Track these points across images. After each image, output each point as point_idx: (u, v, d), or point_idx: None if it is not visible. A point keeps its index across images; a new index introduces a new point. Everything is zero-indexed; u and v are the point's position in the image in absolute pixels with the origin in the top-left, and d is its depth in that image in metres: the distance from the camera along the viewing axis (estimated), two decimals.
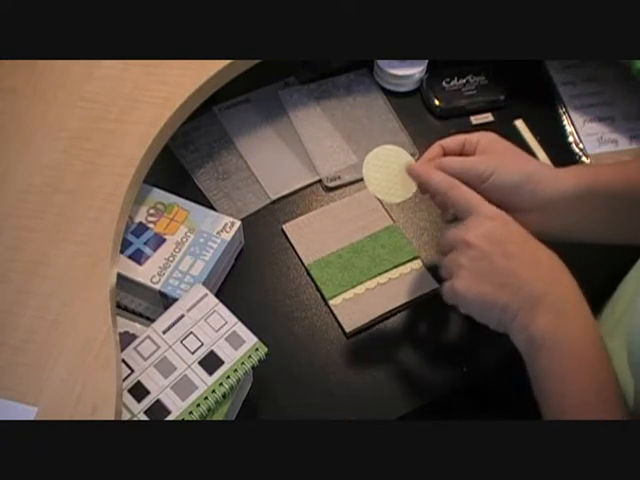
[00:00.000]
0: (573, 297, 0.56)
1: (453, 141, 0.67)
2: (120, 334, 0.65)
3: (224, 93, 0.83)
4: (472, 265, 0.58)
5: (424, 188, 0.67)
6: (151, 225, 0.74)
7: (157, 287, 0.69)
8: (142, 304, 0.72)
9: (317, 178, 0.84)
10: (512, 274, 0.57)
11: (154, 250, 0.72)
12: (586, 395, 0.53)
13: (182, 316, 0.65)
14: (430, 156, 0.67)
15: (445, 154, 0.68)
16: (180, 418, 0.60)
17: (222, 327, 0.64)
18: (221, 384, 0.62)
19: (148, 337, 0.64)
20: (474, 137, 0.67)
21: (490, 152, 0.66)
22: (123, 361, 0.62)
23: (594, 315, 0.62)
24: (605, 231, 0.66)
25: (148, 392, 0.61)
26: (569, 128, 0.88)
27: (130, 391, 0.61)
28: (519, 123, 0.89)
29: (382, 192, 0.67)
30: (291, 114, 0.88)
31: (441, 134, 0.88)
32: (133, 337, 0.66)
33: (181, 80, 0.74)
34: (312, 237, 0.78)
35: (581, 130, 0.87)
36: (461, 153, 0.67)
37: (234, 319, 0.65)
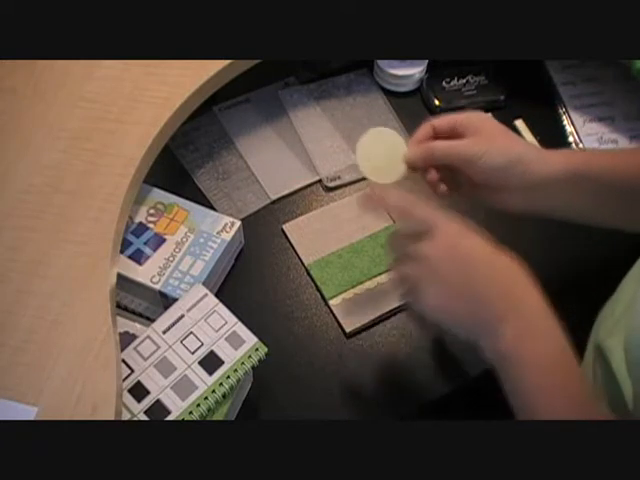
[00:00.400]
0: (537, 310, 0.55)
1: (443, 121, 0.66)
2: (120, 334, 0.65)
3: (224, 93, 0.83)
4: (438, 282, 0.57)
5: (416, 167, 0.67)
6: (151, 225, 0.74)
7: (157, 287, 0.69)
8: (142, 304, 0.72)
9: (317, 178, 0.84)
10: (477, 293, 0.56)
11: (154, 250, 0.72)
12: (557, 409, 0.52)
13: (182, 316, 0.65)
14: (420, 137, 0.66)
15: (435, 134, 0.67)
16: (180, 418, 0.60)
17: (222, 327, 0.64)
18: (221, 384, 0.62)
19: (148, 337, 0.64)
20: (464, 118, 0.66)
21: (480, 133, 0.65)
22: (123, 361, 0.62)
23: (594, 314, 0.62)
24: (591, 214, 0.66)
25: (148, 392, 0.61)
26: (569, 128, 0.88)
27: (130, 391, 0.61)
28: (519, 123, 0.89)
29: (372, 173, 0.67)
30: (291, 114, 0.88)
31: None
32: (133, 337, 0.66)
33: (181, 80, 0.74)
34: (312, 237, 0.78)
35: (581, 130, 0.87)
36: (451, 133, 0.66)
37: (234, 319, 0.65)
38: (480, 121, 0.66)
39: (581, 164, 0.64)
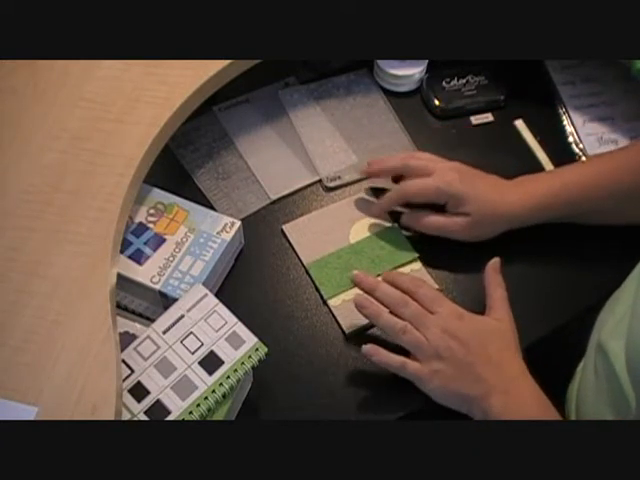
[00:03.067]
0: (518, 373, 0.64)
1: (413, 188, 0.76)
2: (120, 334, 0.65)
3: (224, 93, 0.83)
4: (449, 361, 0.64)
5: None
6: (151, 225, 0.74)
7: (157, 287, 0.69)
8: (142, 304, 0.72)
9: (317, 178, 0.84)
10: (471, 367, 0.64)
11: (154, 250, 0.72)
12: None
13: (182, 316, 0.65)
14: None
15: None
16: (180, 418, 0.60)
17: (222, 327, 0.64)
18: (221, 384, 0.62)
19: (148, 337, 0.64)
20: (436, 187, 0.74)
21: (465, 209, 0.73)
22: (123, 361, 0.62)
23: (595, 316, 0.63)
24: (575, 220, 0.76)
25: (148, 392, 0.61)
26: (569, 128, 0.88)
27: (130, 391, 0.61)
28: (519, 123, 0.89)
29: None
30: (291, 114, 0.88)
31: (441, 134, 0.88)
32: (133, 337, 0.66)
33: (181, 80, 0.74)
34: (312, 237, 0.78)
35: (581, 130, 0.87)
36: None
37: (234, 319, 0.65)
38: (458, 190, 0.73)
39: (554, 196, 0.73)
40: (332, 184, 0.83)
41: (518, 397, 0.62)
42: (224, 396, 0.62)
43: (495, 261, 0.71)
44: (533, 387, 0.63)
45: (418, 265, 0.76)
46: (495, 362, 0.64)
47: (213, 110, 0.88)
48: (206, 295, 0.66)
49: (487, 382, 0.63)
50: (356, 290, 0.74)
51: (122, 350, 0.62)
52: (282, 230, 0.79)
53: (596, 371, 0.61)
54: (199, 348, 0.63)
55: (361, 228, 0.79)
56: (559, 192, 0.73)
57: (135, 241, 0.72)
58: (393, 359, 0.66)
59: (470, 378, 0.63)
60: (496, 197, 0.74)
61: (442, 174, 0.74)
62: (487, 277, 0.70)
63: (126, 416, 0.60)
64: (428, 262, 0.77)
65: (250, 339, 0.64)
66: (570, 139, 0.87)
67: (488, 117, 0.90)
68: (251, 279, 0.76)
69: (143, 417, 0.60)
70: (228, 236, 0.73)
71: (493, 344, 0.65)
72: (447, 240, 0.76)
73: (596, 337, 0.63)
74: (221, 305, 0.66)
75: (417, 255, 0.77)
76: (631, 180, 0.72)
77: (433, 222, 0.75)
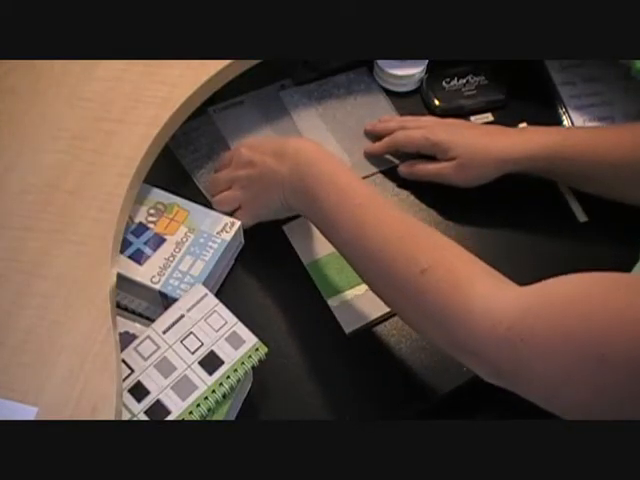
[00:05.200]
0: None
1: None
2: (120, 334, 0.65)
3: (223, 93, 0.83)
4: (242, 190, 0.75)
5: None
6: (151, 225, 0.74)
7: (157, 287, 0.69)
8: (142, 304, 0.72)
9: None
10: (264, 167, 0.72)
11: (154, 250, 0.72)
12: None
13: (182, 316, 0.65)
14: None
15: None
16: (180, 418, 0.60)
17: (222, 327, 0.64)
18: (221, 384, 0.62)
19: (148, 337, 0.64)
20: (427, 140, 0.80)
21: (453, 153, 0.78)
22: (123, 361, 0.62)
23: None
24: (574, 184, 0.80)
25: (148, 392, 0.61)
26: None
27: (130, 391, 0.61)
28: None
29: None
30: (292, 114, 0.88)
31: None
32: (133, 337, 0.66)
33: (181, 80, 0.74)
34: (312, 237, 0.78)
35: None
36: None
37: (234, 319, 0.65)
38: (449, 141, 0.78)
39: (557, 144, 0.74)
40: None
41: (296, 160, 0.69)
42: (224, 396, 0.62)
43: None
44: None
45: None
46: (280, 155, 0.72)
47: (212, 110, 0.88)
48: (206, 295, 0.66)
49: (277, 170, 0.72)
50: (356, 291, 0.74)
51: (122, 350, 0.62)
52: (282, 230, 0.79)
53: None
54: (199, 348, 0.63)
55: None
56: (557, 147, 0.74)
57: (135, 241, 0.72)
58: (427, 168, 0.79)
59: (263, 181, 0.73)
60: (486, 140, 0.77)
61: (431, 126, 0.81)
62: None
63: (126, 416, 0.60)
64: None
65: (250, 339, 0.64)
66: None
67: (488, 117, 0.90)
68: (251, 279, 0.76)
69: (143, 417, 0.60)
70: (228, 236, 0.73)
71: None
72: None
73: None
74: (221, 305, 0.66)
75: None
76: (633, 156, 0.72)
77: (425, 168, 0.81)
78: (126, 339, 0.66)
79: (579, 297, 0.49)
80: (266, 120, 0.88)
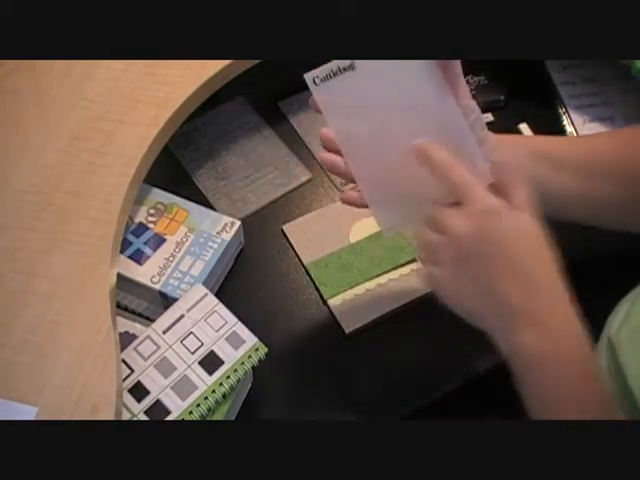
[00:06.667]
0: (554, 304, 0.50)
1: None
2: (120, 334, 0.65)
3: (224, 93, 0.83)
4: (458, 260, 0.52)
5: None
6: (151, 225, 0.74)
7: (157, 287, 0.69)
8: (142, 304, 0.72)
9: (315, 175, 0.84)
10: (495, 282, 0.51)
11: (154, 250, 0.72)
12: (572, 415, 0.50)
13: (182, 316, 0.65)
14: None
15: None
16: (180, 418, 0.60)
17: (222, 327, 0.64)
18: (221, 384, 0.62)
19: (148, 337, 0.64)
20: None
21: None
22: (123, 361, 0.62)
23: (603, 311, 0.61)
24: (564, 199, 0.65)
25: (148, 392, 0.61)
26: (569, 128, 0.88)
27: (130, 391, 0.61)
28: (523, 127, 0.88)
29: None
30: (295, 124, 0.88)
31: None
32: (133, 337, 0.66)
33: (181, 80, 0.74)
34: (312, 237, 0.78)
35: (581, 130, 0.87)
36: None
37: (234, 319, 0.65)
38: None
39: (536, 146, 0.64)
40: (347, 187, 0.83)
41: (559, 340, 0.50)
42: (224, 396, 0.62)
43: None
44: (578, 330, 0.50)
45: (418, 265, 0.76)
46: (529, 281, 0.50)
47: (213, 110, 0.88)
48: (206, 295, 0.66)
49: (513, 305, 0.50)
50: (356, 291, 0.74)
51: (122, 350, 0.62)
52: (282, 230, 0.79)
53: (608, 366, 0.61)
54: (199, 348, 0.63)
55: (361, 228, 0.79)
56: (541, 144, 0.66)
57: (135, 241, 0.72)
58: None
59: (487, 292, 0.51)
60: None
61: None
62: (508, 175, 0.55)
63: (126, 416, 0.60)
64: None
65: (250, 339, 0.64)
66: None
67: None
68: (251, 279, 0.76)
69: (143, 417, 0.60)
70: (228, 236, 0.73)
71: (525, 256, 0.51)
72: None
73: (606, 333, 0.62)
74: (221, 305, 0.66)
75: (417, 255, 0.77)
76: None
77: None
78: (126, 339, 0.66)
79: None
80: (270, 119, 0.87)
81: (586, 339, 0.50)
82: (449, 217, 0.53)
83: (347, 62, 0.59)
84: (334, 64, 0.58)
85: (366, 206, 0.62)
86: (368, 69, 0.59)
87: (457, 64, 0.60)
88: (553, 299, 0.51)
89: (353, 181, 0.61)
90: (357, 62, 0.59)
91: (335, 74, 0.59)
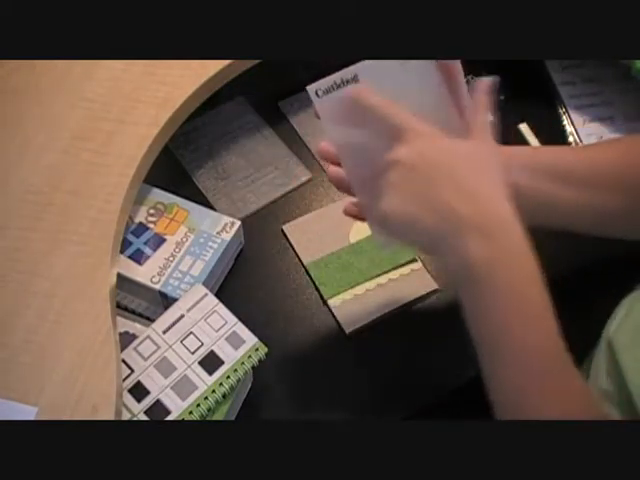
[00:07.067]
0: (501, 217, 0.50)
1: None
2: (120, 334, 0.65)
3: (224, 93, 0.83)
4: (398, 184, 0.52)
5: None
6: (151, 225, 0.74)
7: (157, 287, 0.69)
8: (142, 304, 0.72)
9: (315, 175, 0.84)
10: (437, 194, 0.51)
11: (154, 250, 0.72)
12: (528, 340, 0.49)
13: (182, 316, 0.65)
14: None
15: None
16: (180, 418, 0.60)
17: (222, 327, 0.64)
18: (221, 384, 0.62)
19: (148, 337, 0.64)
20: None
21: None
22: (123, 361, 0.62)
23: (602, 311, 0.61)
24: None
25: (148, 392, 0.61)
26: (569, 128, 0.88)
27: (130, 391, 0.61)
28: (523, 127, 0.88)
29: None
30: (295, 125, 0.88)
31: None
32: (133, 337, 0.66)
33: (181, 80, 0.74)
34: (312, 237, 0.78)
35: (581, 130, 0.87)
36: None
37: (234, 319, 0.65)
38: None
39: (538, 159, 0.63)
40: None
41: (506, 247, 0.50)
42: (224, 396, 0.62)
43: (486, 81, 0.58)
44: (523, 239, 0.50)
45: (418, 265, 0.76)
46: (469, 190, 0.51)
47: (213, 110, 0.88)
48: (206, 295, 0.66)
49: (456, 212, 0.50)
50: (356, 291, 0.74)
51: (122, 350, 0.62)
52: (282, 230, 0.79)
53: (607, 369, 0.61)
54: (199, 348, 0.63)
55: (361, 228, 0.79)
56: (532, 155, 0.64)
57: (135, 241, 0.72)
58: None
59: (431, 205, 0.51)
60: None
61: None
62: (473, 99, 0.57)
63: (126, 416, 0.60)
64: (428, 262, 0.77)
65: (250, 339, 0.64)
66: (570, 139, 0.87)
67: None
68: (251, 279, 0.76)
69: (143, 417, 0.60)
70: (228, 236, 0.73)
71: (464, 168, 0.52)
72: None
73: (606, 334, 0.62)
74: (221, 305, 0.66)
75: (417, 255, 0.77)
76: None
77: None
78: (126, 339, 0.66)
79: None
80: (270, 119, 0.87)
81: (532, 252, 0.50)
82: (394, 152, 0.53)
83: (350, 74, 0.58)
84: (337, 76, 0.57)
85: (365, 219, 0.62)
86: (371, 81, 0.58)
87: (459, 74, 0.60)
88: (498, 209, 0.51)
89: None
90: (360, 74, 0.58)
91: (338, 86, 0.57)
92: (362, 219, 0.64)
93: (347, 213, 0.66)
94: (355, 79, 0.57)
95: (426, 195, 0.51)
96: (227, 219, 0.74)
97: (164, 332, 0.64)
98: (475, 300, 0.51)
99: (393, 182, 0.53)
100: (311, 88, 0.57)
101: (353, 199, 0.64)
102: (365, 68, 0.58)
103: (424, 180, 0.52)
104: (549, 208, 0.61)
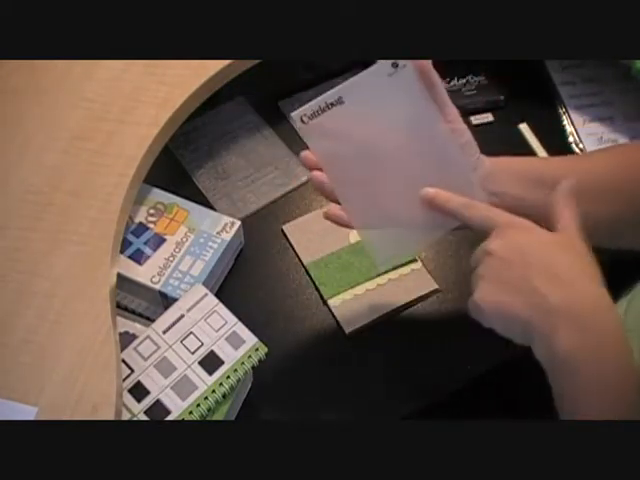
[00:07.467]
0: (595, 305, 0.51)
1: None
2: (120, 334, 0.65)
3: (224, 93, 0.83)
4: (490, 274, 0.54)
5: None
6: (151, 225, 0.74)
7: (157, 287, 0.69)
8: (142, 304, 0.72)
9: None
10: (528, 282, 0.51)
11: (154, 250, 0.72)
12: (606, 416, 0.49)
13: (182, 316, 0.65)
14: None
15: None
16: (180, 418, 0.60)
17: (222, 327, 0.64)
18: (221, 384, 0.62)
19: (148, 337, 0.64)
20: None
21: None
22: (123, 361, 0.62)
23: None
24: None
25: (148, 392, 0.61)
26: (569, 128, 0.88)
27: (130, 391, 0.61)
28: (523, 127, 0.88)
29: None
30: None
31: None
32: (133, 337, 0.66)
33: (181, 80, 0.74)
34: (312, 237, 0.78)
35: (581, 130, 0.87)
36: None
37: (234, 319, 0.65)
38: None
39: (534, 171, 0.63)
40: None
41: (598, 338, 0.49)
42: (224, 396, 0.62)
43: (566, 184, 0.57)
44: (617, 327, 0.50)
45: (418, 265, 0.76)
46: (560, 277, 0.51)
47: (213, 110, 0.88)
48: (206, 295, 0.66)
49: (547, 298, 0.50)
50: (356, 291, 0.74)
51: (122, 350, 0.62)
52: (282, 230, 0.79)
53: None
54: (199, 348, 0.63)
55: None
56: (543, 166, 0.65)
57: (135, 241, 0.72)
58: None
59: (522, 293, 0.51)
60: None
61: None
62: (554, 200, 0.56)
63: (126, 416, 0.60)
64: (428, 262, 0.77)
65: (250, 339, 0.64)
66: (570, 139, 0.87)
67: (488, 117, 0.90)
68: (251, 279, 0.76)
69: (143, 417, 0.60)
70: (228, 236, 0.73)
71: (555, 256, 0.52)
72: (447, 240, 0.76)
73: None
74: (221, 305, 0.66)
75: (417, 255, 0.77)
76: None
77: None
78: (126, 339, 0.66)
79: None
80: (270, 119, 0.87)
81: (623, 333, 0.50)
82: (484, 246, 0.55)
83: (334, 97, 0.58)
84: (321, 100, 0.58)
85: (348, 226, 0.63)
86: (356, 100, 0.58)
87: (431, 72, 0.61)
88: (591, 297, 0.51)
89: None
90: (344, 95, 0.58)
91: (323, 110, 0.58)
92: (345, 225, 0.63)
93: (328, 217, 0.64)
94: (340, 101, 0.58)
95: (518, 283, 0.52)
96: (227, 219, 0.74)
97: (164, 332, 0.64)
98: (563, 388, 0.51)
99: (486, 273, 0.54)
100: (296, 115, 0.57)
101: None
102: (348, 89, 0.58)
103: (516, 269, 0.52)
104: (544, 218, 0.59)
